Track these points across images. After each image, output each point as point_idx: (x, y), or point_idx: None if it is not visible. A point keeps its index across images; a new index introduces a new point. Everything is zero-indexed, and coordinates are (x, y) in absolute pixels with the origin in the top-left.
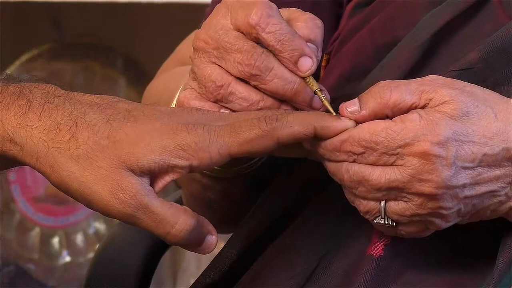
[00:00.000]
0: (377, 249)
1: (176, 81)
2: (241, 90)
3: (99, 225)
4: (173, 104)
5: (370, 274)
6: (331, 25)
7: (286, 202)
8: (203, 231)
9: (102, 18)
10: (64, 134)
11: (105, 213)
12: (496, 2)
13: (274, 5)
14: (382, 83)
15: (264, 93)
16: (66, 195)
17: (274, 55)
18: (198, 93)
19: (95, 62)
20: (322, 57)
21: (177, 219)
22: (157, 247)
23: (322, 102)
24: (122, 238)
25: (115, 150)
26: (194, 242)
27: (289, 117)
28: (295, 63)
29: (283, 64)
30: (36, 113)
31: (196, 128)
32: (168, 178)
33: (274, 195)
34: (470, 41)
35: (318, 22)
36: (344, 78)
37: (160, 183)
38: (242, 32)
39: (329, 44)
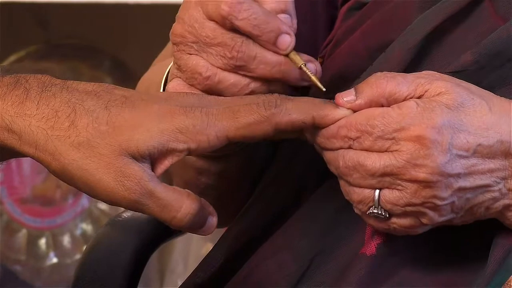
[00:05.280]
0: (370, 248)
1: (164, 72)
2: (229, 77)
3: (86, 226)
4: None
5: (362, 273)
6: (327, 26)
7: (277, 203)
8: (205, 214)
9: (89, 19)
10: (63, 122)
11: (110, 200)
12: (488, 4)
13: None
14: (378, 73)
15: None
16: (67, 184)
17: (253, 40)
18: (186, 83)
19: (82, 63)
20: (316, 59)
21: (181, 203)
22: (145, 247)
23: (309, 77)
24: (109, 239)
25: (115, 136)
26: (197, 225)
27: (288, 104)
28: (274, 43)
29: (264, 47)
30: (34, 101)
31: (194, 111)
32: (167, 162)
33: (266, 196)
34: (463, 42)
35: None
36: (338, 79)
37: (160, 168)
38: (216, 22)
39: (323, 47)
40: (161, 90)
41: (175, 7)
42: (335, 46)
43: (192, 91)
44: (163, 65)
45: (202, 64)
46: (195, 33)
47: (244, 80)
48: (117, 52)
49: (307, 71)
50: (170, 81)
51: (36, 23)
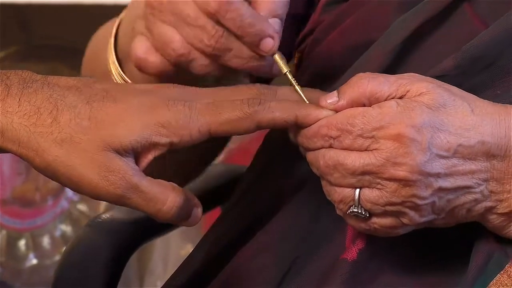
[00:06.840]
0: (351, 253)
1: (108, 35)
2: (201, 60)
3: (66, 228)
4: (110, 56)
5: (344, 278)
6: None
7: (257, 206)
8: (190, 205)
9: (69, 20)
10: (45, 118)
11: (95, 195)
12: (467, 7)
13: None
14: (361, 74)
15: None
16: (50, 179)
17: (236, 37)
18: (154, 47)
19: (62, 64)
20: (293, 55)
21: (166, 196)
22: (124, 249)
23: (294, 87)
24: (88, 240)
25: (98, 131)
26: (183, 217)
27: (272, 102)
28: (257, 46)
29: (247, 47)
30: (15, 98)
31: (177, 105)
32: (150, 156)
33: (245, 200)
34: (442, 47)
35: None
36: (317, 78)
37: (143, 162)
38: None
39: (300, 39)
40: (111, 48)
41: None
42: (315, 43)
43: (155, 58)
44: (106, 28)
45: (177, 40)
46: (175, 5)
47: (214, 65)
48: None
49: (292, 80)
50: (135, 36)
51: (16, 24)
